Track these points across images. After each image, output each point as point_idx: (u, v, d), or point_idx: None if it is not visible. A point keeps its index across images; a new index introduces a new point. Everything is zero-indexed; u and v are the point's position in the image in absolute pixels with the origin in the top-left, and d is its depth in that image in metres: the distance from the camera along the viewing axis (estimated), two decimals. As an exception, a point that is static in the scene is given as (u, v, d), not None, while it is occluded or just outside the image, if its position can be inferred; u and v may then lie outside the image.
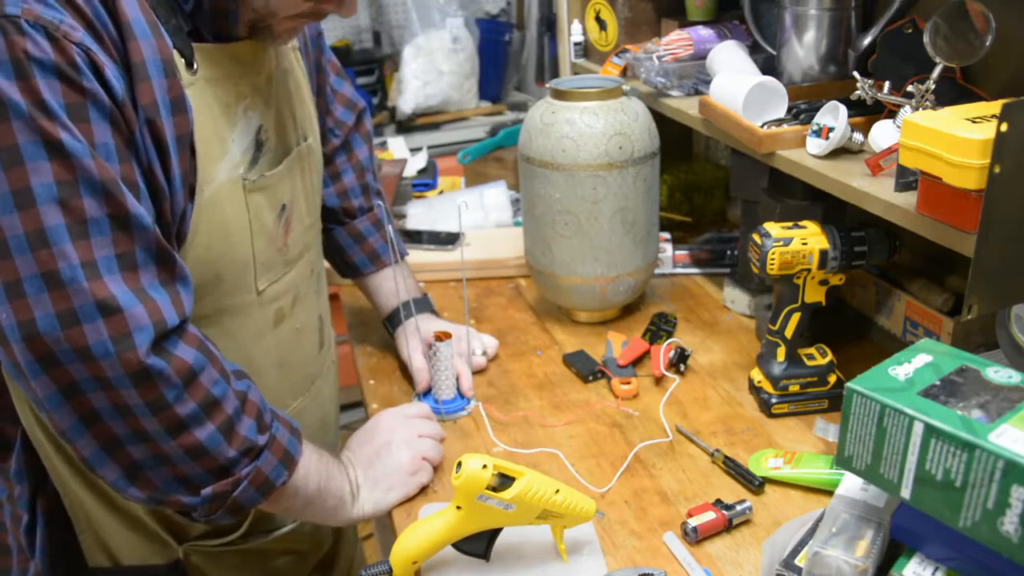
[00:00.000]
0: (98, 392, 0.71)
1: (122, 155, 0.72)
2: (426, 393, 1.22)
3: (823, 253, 1.09)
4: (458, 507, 0.86)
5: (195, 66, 0.79)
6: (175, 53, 0.76)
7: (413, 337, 1.23)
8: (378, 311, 1.32)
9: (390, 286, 1.28)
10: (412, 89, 2.84)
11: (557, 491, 0.88)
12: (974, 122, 0.81)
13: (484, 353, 1.29)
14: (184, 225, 0.80)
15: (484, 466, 0.83)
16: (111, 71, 0.70)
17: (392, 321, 1.29)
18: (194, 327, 0.79)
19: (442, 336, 1.18)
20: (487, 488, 0.84)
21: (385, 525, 1.75)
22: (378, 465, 0.98)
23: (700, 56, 1.41)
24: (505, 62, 3.07)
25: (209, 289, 0.86)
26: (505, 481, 0.85)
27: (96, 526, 0.96)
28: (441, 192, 2.09)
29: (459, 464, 0.84)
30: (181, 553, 0.97)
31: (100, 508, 0.95)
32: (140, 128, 0.74)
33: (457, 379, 1.21)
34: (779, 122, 1.15)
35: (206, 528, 0.97)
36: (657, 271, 1.57)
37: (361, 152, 1.25)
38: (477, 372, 1.28)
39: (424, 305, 1.31)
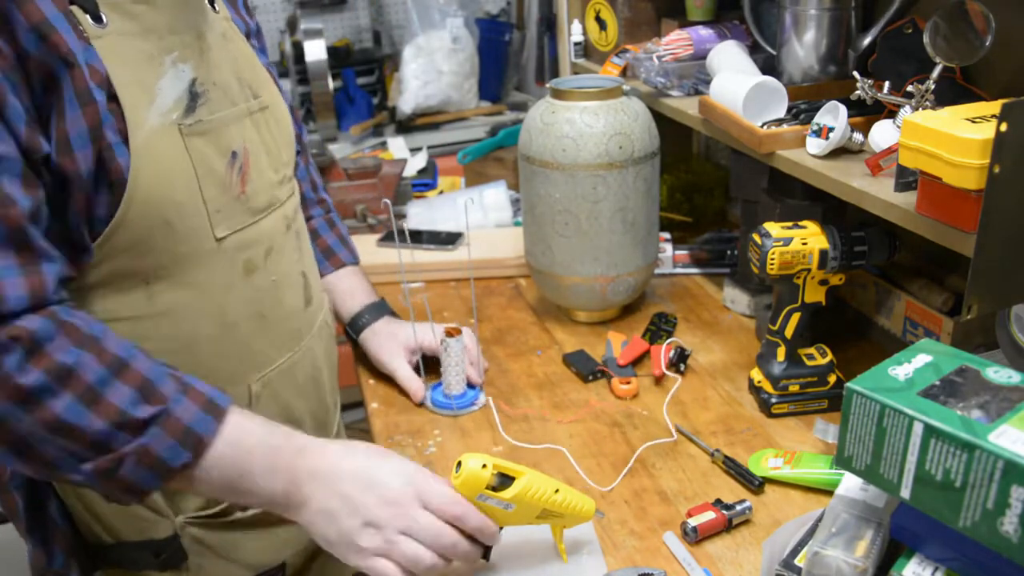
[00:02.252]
0: None
1: None
2: (435, 386, 1.24)
3: (823, 253, 1.09)
4: None
5: (104, 20, 0.80)
6: (76, 9, 0.78)
7: (392, 346, 1.24)
8: (337, 316, 1.30)
9: (345, 287, 1.28)
10: (412, 89, 2.84)
11: (557, 491, 0.87)
12: (974, 122, 0.81)
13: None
14: (124, 171, 0.80)
15: (484, 465, 0.82)
16: None
17: (354, 327, 1.29)
18: (61, 308, 0.75)
19: (453, 332, 1.19)
20: (487, 488, 0.83)
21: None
22: (360, 512, 0.80)
23: (700, 56, 1.41)
24: (505, 62, 3.07)
25: (160, 236, 0.84)
26: (505, 481, 0.84)
27: (86, 502, 0.94)
28: (441, 192, 2.09)
29: (459, 464, 0.83)
30: (178, 526, 0.95)
31: None
32: (36, 87, 0.74)
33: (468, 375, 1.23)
34: (779, 122, 1.15)
35: (201, 501, 0.95)
36: (657, 271, 1.57)
37: (302, 163, 1.27)
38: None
39: (383, 308, 1.30)
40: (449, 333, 1.19)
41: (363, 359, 1.32)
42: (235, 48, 0.98)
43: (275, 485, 0.80)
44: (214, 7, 0.97)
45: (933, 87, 1.00)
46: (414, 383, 1.23)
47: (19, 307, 0.72)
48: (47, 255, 0.75)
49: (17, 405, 0.71)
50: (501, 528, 0.87)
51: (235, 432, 0.79)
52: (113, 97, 0.80)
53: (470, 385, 1.24)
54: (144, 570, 0.97)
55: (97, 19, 0.80)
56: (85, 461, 0.75)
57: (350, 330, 1.30)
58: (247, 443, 0.80)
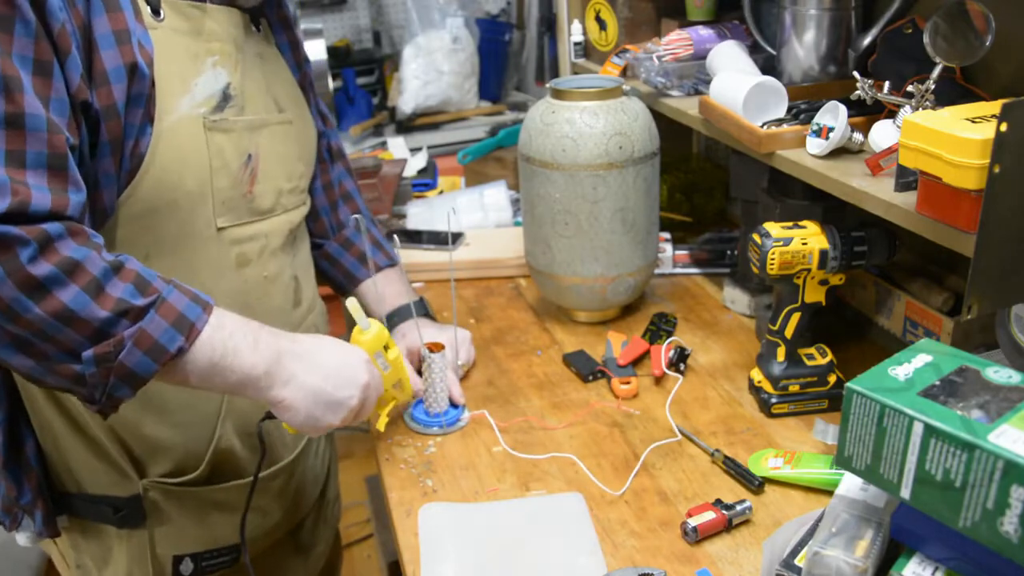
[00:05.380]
0: None
1: (41, 68, 0.78)
2: (416, 403, 1.20)
3: (823, 253, 1.09)
4: None
5: (162, 14, 0.90)
6: (141, 0, 0.88)
7: (399, 343, 1.23)
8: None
9: (374, 294, 1.29)
10: (412, 89, 2.84)
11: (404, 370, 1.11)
12: (974, 122, 0.81)
13: (462, 365, 1.27)
14: (142, 146, 0.88)
15: (385, 328, 1.05)
16: (56, 2, 0.79)
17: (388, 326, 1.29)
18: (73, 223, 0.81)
19: (434, 348, 1.15)
20: (383, 346, 1.05)
21: (385, 524, 1.75)
22: (326, 368, 0.94)
23: (700, 56, 1.41)
24: (505, 62, 3.07)
25: (166, 214, 0.92)
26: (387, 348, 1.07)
27: (62, 450, 1.01)
28: (441, 192, 2.09)
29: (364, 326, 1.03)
30: (141, 488, 1.01)
31: (67, 432, 0.99)
32: (90, 55, 0.83)
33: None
34: (779, 122, 1.15)
35: (168, 466, 1.01)
36: (657, 271, 1.57)
37: (334, 172, 1.30)
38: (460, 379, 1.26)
39: (418, 309, 1.29)
40: (431, 348, 1.15)
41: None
42: (269, 68, 1.07)
43: (257, 360, 0.88)
44: (257, 28, 1.05)
45: (933, 87, 1.00)
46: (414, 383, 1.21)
47: (38, 214, 0.77)
48: (76, 185, 0.81)
49: (27, 294, 0.75)
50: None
51: (218, 317, 0.86)
52: (152, 82, 0.88)
53: (452, 404, 1.20)
54: (103, 524, 1.03)
55: (156, 12, 0.90)
56: (86, 349, 0.79)
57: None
58: (229, 325, 0.87)
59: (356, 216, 1.23)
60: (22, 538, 1.06)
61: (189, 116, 0.92)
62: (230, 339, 0.86)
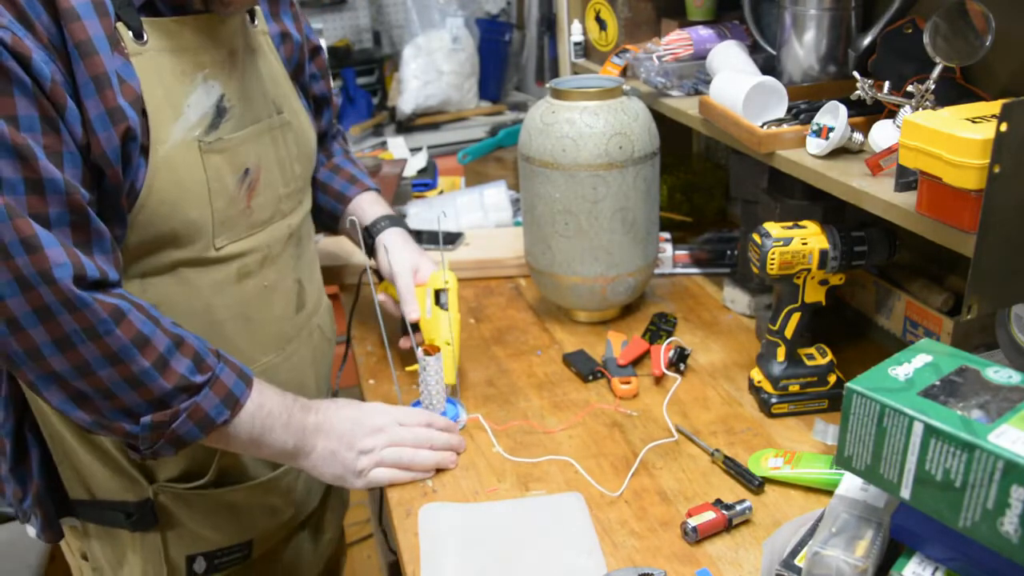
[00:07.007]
0: (38, 326, 0.79)
1: (45, 127, 0.79)
2: (414, 405, 1.19)
3: (823, 253, 1.09)
4: None
5: (145, 37, 0.88)
6: (121, 26, 0.85)
7: (383, 255, 1.26)
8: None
9: (366, 203, 1.32)
10: (412, 89, 2.84)
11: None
12: (974, 122, 0.81)
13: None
14: (137, 182, 0.87)
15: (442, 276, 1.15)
16: (39, 56, 0.78)
17: (372, 232, 1.31)
18: (120, 290, 0.86)
19: (430, 350, 1.14)
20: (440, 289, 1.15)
21: (385, 524, 1.75)
22: (339, 431, 1.02)
23: (700, 56, 1.41)
24: (505, 62, 3.07)
25: (164, 244, 0.93)
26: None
27: (72, 459, 1.02)
28: (441, 192, 2.09)
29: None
30: (151, 492, 1.02)
31: (76, 441, 1.01)
32: (78, 103, 0.81)
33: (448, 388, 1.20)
34: (779, 122, 1.15)
35: (176, 471, 1.03)
36: (657, 271, 1.57)
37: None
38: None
39: (400, 222, 1.33)
40: (427, 351, 1.13)
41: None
42: (264, 63, 1.04)
43: (287, 439, 0.98)
44: (253, 21, 1.03)
45: (933, 87, 1.00)
46: (411, 303, 1.22)
47: (93, 277, 0.82)
48: (100, 240, 0.84)
49: (104, 359, 0.83)
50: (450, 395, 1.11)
51: (259, 396, 0.95)
52: (143, 112, 0.87)
53: (450, 402, 1.19)
54: (116, 527, 1.05)
55: (139, 36, 0.87)
56: (145, 414, 0.87)
57: (367, 235, 1.30)
58: (268, 405, 0.95)
59: (351, 206, 1.28)
60: (31, 530, 1.09)
61: (184, 142, 0.90)
62: (268, 417, 0.95)
